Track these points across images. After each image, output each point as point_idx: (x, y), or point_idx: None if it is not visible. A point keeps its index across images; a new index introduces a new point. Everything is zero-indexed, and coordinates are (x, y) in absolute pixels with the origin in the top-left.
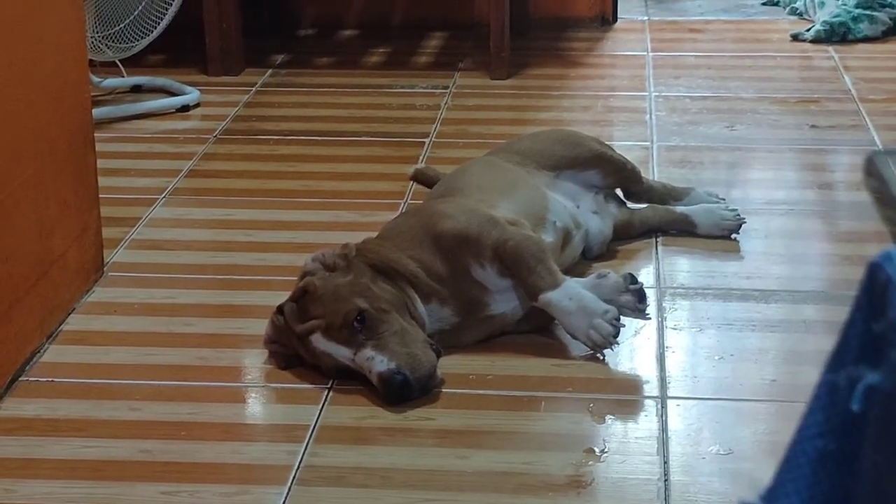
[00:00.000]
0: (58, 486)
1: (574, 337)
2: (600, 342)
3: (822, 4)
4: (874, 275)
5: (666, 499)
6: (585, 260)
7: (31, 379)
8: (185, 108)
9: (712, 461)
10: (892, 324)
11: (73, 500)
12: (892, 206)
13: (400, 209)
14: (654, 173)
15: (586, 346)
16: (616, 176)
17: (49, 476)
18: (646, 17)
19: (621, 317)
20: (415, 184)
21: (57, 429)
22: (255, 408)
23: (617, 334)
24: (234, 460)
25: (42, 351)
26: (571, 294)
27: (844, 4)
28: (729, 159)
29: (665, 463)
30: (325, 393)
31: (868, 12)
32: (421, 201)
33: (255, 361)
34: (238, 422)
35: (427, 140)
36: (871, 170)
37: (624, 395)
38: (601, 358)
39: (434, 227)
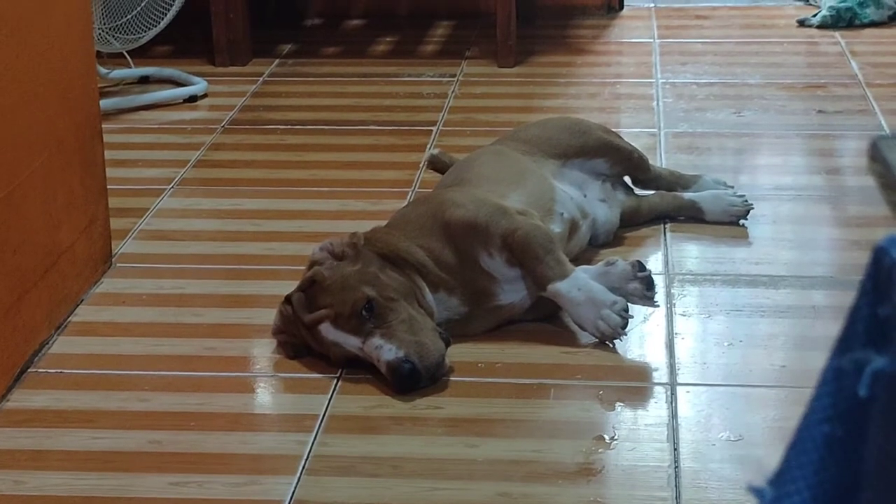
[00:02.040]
0: (67, 477)
1: (582, 328)
2: (608, 333)
3: None
4: (879, 259)
5: (676, 486)
6: (592, 247)
7: (39, 370)
8: (192, 99)
9: (722, 448)
10: None
11: (83, 492)
12: None
13: (408, 198)
14: (661, 160)
15: (594, 336)
16: (623, 164)
17: (58, 468)
18: (652, 4)
19: (630, 305)
20: (423, 172)
21: (66, 420)
22: (264, 398)
23: (625, 325)
24: (243, 450)
25: (50, 342)
26: (580, 284)
27: None
28: (736, 145)
29: (675, 450)
30: (334, 382)
31: None
32: (429, 190)
33: (263, 351)
34: (247, 412)
35: (434, 128)
36: (875, 154)
37: (633, 382)
38: (610, 346)
39: (443, 216)
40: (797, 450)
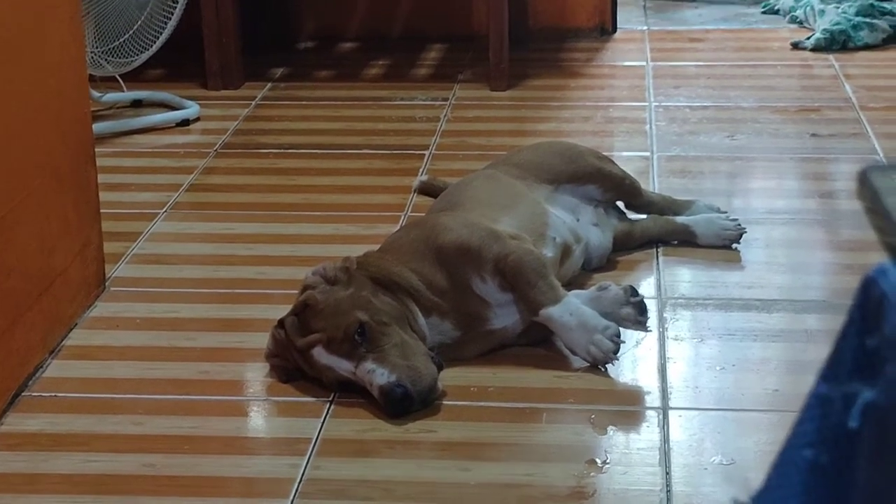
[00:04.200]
0: (61, 500)
1: (574, 352)
2: (600, 358)
3: (823, 13)
4: (868, 289)
5: None
6: (585, 271)
7: (33, 394)
8: (185, 123)
9: (715, 472)
10: (886, 339)
11: None
12: (883, 217)
13: (400, 222)
14: (654, 184)
15: (586, 361)
16: (615, 191)
17: (53, 491)
18: (645, 27)
19: (622, 330)
20: (415, 196)
21: (60, 444)
22: (258, 421)
23: (617, 350)
24: (236, 474)
25: (45, 366)
26: (572, 310)
27: (844, 13)
28: (729, 169)
29: (667, 474)
30: (327, 406)
31: (868, 20)
32: (422, 214)
33: (256, 375)
34: (240, 435)
35: (427, 152)
36: (864, 181)
37: (625, 406)
38: (602, 370)
39: (435, 240)
40: (779, 472)
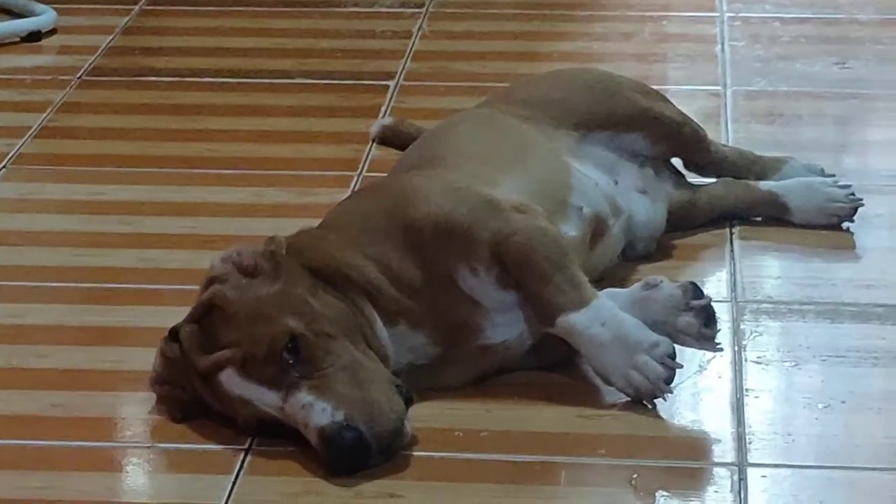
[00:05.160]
0: None
1: (608, 381)
2: (645, 389)
3: None
4: None
5: None
6: (626, 261)
7: None
8: (34, 36)
9: None
10: None
11: None
12: None
13: (352, 185)
14: (727, 133)
15: (625, 393)
16: (670, 141)
17: None
18: None
19: (679, 349)
20: (374, 147)
21: None
22: (138, 479)
23: (671, 378)
24: None
25: None
26: (605, 317)
27: None
28: (839, 111)
29: None
30: (241, 457)
31: None
32: (383, 174)
33: (136, 410)
34: (112, 499)
35: (392, 83)
36: None
37: (683, 462)
38: (649, 407)
39: (404, 214)
40: None
